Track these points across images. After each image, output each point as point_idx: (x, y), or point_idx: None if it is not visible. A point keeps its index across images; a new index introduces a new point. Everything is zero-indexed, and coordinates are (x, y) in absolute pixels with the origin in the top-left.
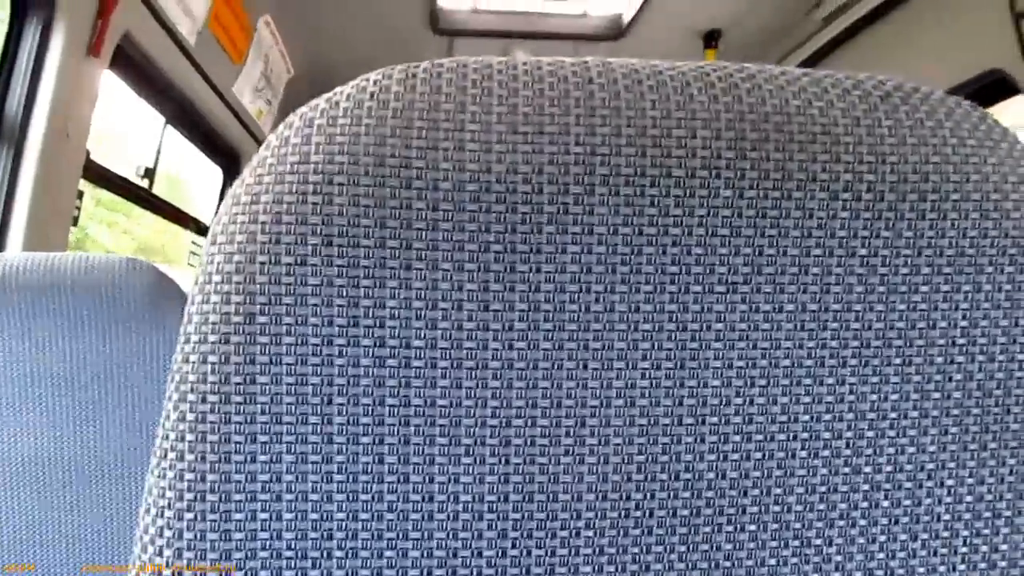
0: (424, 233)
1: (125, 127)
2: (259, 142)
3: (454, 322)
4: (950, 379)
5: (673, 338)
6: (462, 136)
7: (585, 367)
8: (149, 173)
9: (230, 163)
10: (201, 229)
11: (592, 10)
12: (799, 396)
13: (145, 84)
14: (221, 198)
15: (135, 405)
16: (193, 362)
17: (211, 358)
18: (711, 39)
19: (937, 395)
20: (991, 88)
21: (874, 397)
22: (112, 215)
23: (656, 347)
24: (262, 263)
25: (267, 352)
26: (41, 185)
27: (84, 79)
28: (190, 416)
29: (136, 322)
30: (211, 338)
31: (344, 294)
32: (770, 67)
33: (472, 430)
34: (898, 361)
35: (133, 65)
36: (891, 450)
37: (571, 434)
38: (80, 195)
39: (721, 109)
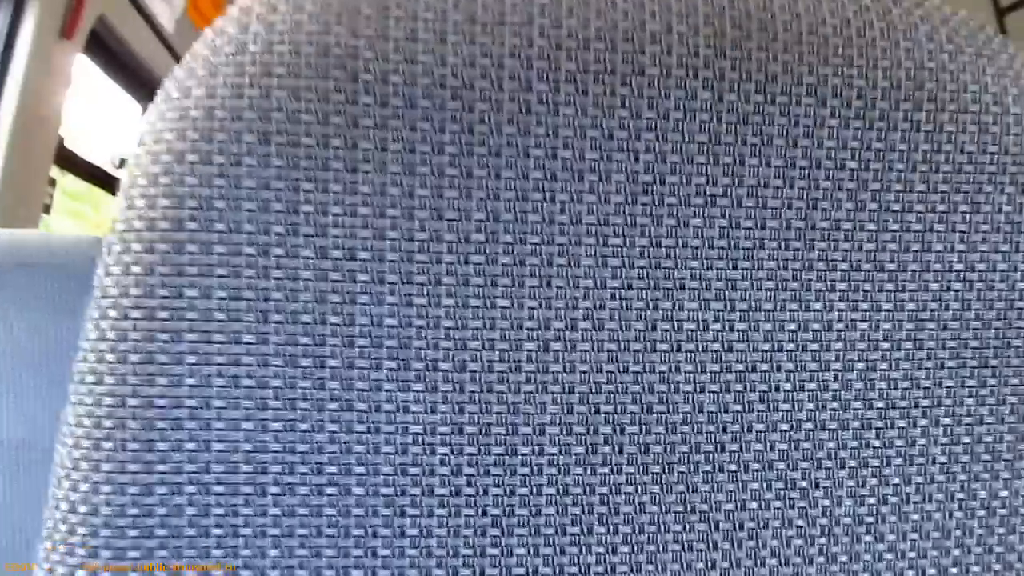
0: (371, 132)
1: (101, 114)
2: None
3: (404, 232)
4: (946, 308)
5: (646, 255)
6: (414, 25)
7: (549, 284)
8: (124, 163)
9: None
10: None
11: None
12: (783, 323)
13: (120, 70)
14: None
15: None
16: (115, 273)
17: (134, 268)
18: None
19: (932, 325)
20: None
21: (864, 325)
22: (78, 205)
23: (627, 264)
24: (192, 163)
25: (196, 262)
26: (10, 170)
27: (57, 63)
28: (110, 334)
29: None
30: (135, 247)
31: (282, 199)
32: None
33: (423, 353)
34: (890, 286)
35: (108, 50)
36: (882, 384)
37: (533, 360)
38: (52, 183)
39: (699, 3)
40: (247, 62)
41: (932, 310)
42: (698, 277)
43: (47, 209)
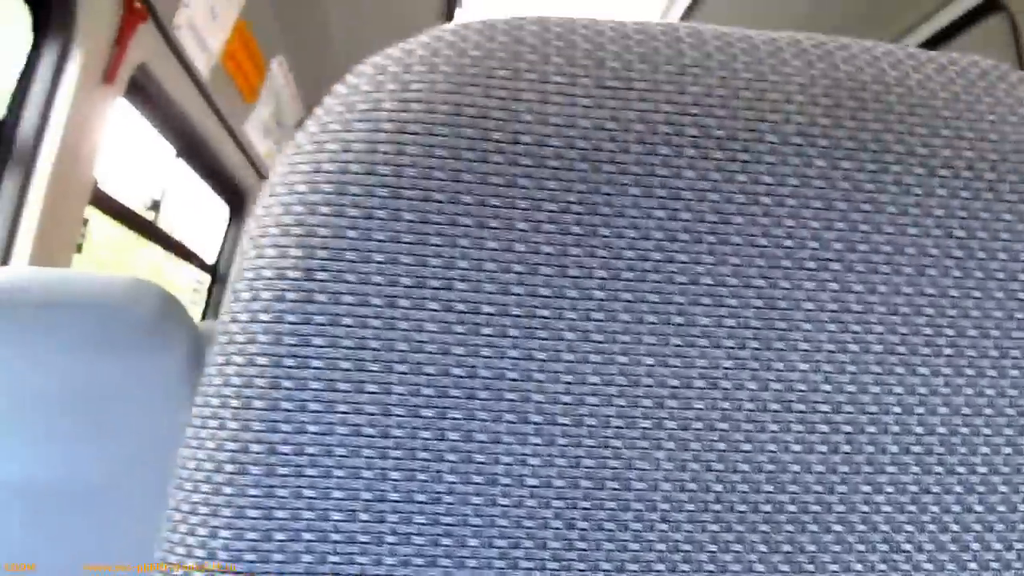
0: (500, 189)
1: (135, 157)
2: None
3: (528, 287)
4: None
5: (760, 316)
6: (545, 87)
7: (666, 343)
8: (156, 205)
9: (237, 201)
10: (204, 266)
11: None
12: (891, 386)
13: (158, 116)
14: (227, 234)
15: (137, 428)
16: (242, 321)
17: (262, 316)
18: None
19: None
20: None
21: (969, 391)
22: None
23: (741, 325)
24: (324, 215)
25: (326, 312)
26: (48, 210)
27: (97, 106)
28: (235, 380)
29: (140, 343)
30: (264, 295)
31: (411, 252)
32: (862, 40)
33: (542, 407)
34: (995, 353)
35: (147, 95)
36: (985, 450)
37: (648, 416)
38: (85, 223)
39: (817, 75)
40: (382, 119)
41: None
42: (809, 339)
43: (79, 248)
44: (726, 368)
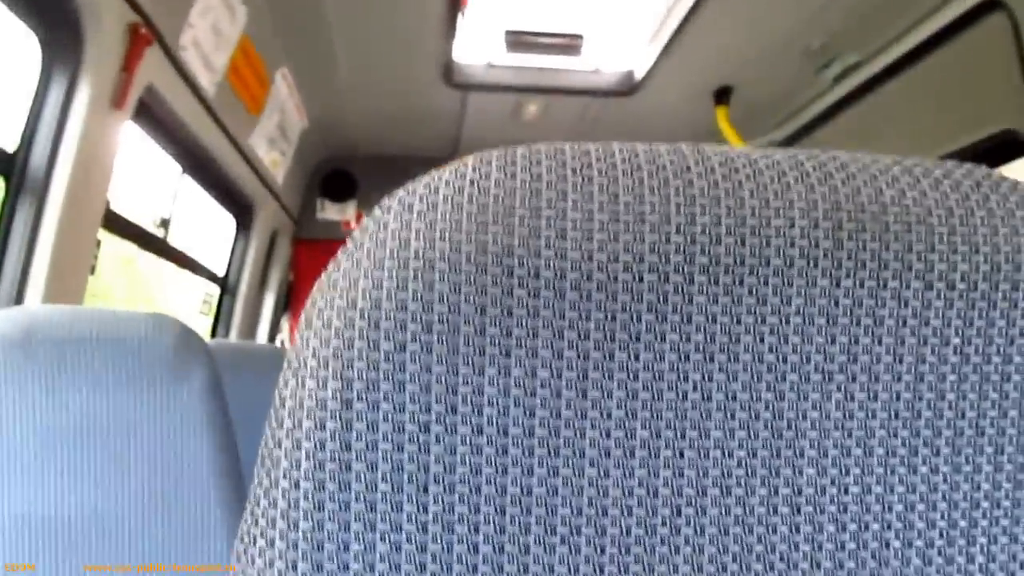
0: (524, 320)
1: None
2: (273, 192)
3: (552, 409)
4: None
5: (769, 426)
6: (563, 224)
7: (682, 455)
8: (165, 223)
9: (244, 213)
10: (214, 279)
11: (605, 66)
12: (893, 485)
13: (165, 135)
14: (234, 246)
15: (159, 458)
16: (285, 447)
17: (305, 444)
18: (722, 96)
19: None
20: (1003, 148)
21: (967, 487)
22: None
23: (752, 436)
24: (360, 349)
25: (363, 438)
26: (62, 235)
27: (107, 131)
28: (282, 503)
29: (161, 376)
30: (305, 424)
31: (443, 380)
32: (860, 155)
33: (568, 519)
34: (990, 450)
35: (154, 117)
36: (983, 540)
37: (667, 524)
38: (98, 244)
39: (818, 199)
40: (411, 257)
41: None
42: (816, 446)
43: (92, 270)
44: (739, 475)
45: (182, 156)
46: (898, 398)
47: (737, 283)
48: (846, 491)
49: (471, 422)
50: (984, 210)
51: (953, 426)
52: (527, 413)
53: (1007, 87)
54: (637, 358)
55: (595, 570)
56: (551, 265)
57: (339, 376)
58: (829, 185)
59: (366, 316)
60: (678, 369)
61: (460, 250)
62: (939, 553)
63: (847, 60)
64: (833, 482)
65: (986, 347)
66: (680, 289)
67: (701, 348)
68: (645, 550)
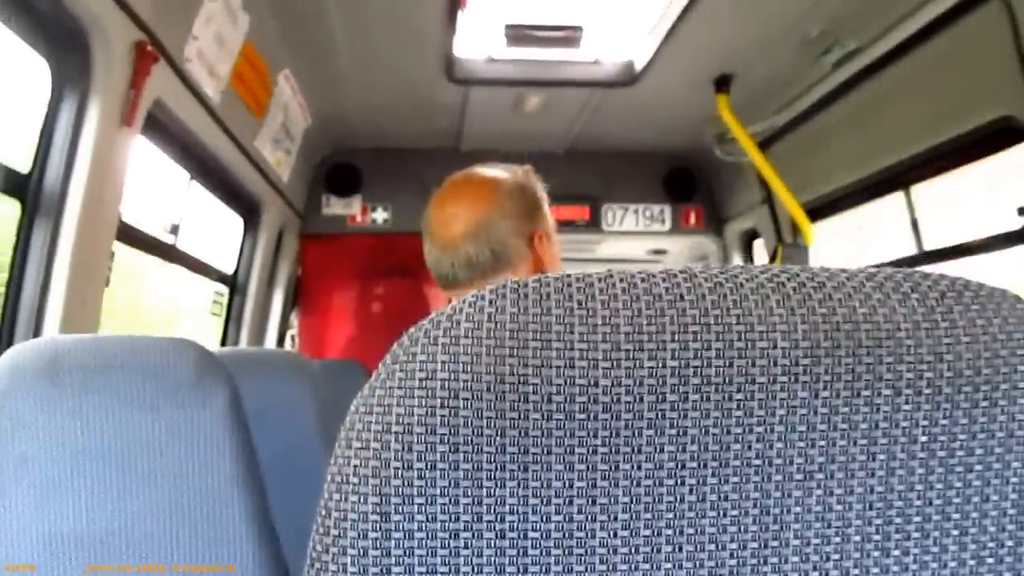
0: (539, 440)
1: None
2: (278, 191)
3: (565, 515)
4: (1002, 546)
5: (757, 521)
6: (572, 355)
7: (680, 549)
8: (175, 229)
9: (252, 213)
10: (223, 278)
11: (605, 57)
12: (868, 567)
13: (173, 145)
14: (243, 246)
15: (183, 477)
16: (333, 553)
17: (350, 551)
18: (722, 84)
19: (991, 560)
20: (1001, 135)
21: (935, 565)
22: None
23: (741, 530)
24: (396, 468)
25: (401, 546)
26: (79, 249)
27: (118, 148)
28: None
29: (183, 399)
30: (350, 534)
31: (469, 494)
32: (836, 272)
33: None
34: (956, 532)
35: (163, 129)
36: None
37: None
38: (111, 256)
39: (797, 320)
40: (437, 387)
41: (990, 548)
42: (799, 536)
43: (107, 282)
44: (731, 565)
45: (190, 163)
46: (871, 491)
47: (726, 399)
48: (827, 575)
49: (495, 528)
50: (947, 321)
51: (922, 513)
52: (543, 519)
53: (1005, 74)
54: (639, 468)
55: None
56: (562, 391)
57: (378, 492)
58: (808, 307)
59: (400, 440)
60: (675, 475)
61: (481, 380)
62: None
63: (846, 46)
64: (815, 567)
65: (950, 443)
66: (676, 407)
67: (695, 456)
68: None
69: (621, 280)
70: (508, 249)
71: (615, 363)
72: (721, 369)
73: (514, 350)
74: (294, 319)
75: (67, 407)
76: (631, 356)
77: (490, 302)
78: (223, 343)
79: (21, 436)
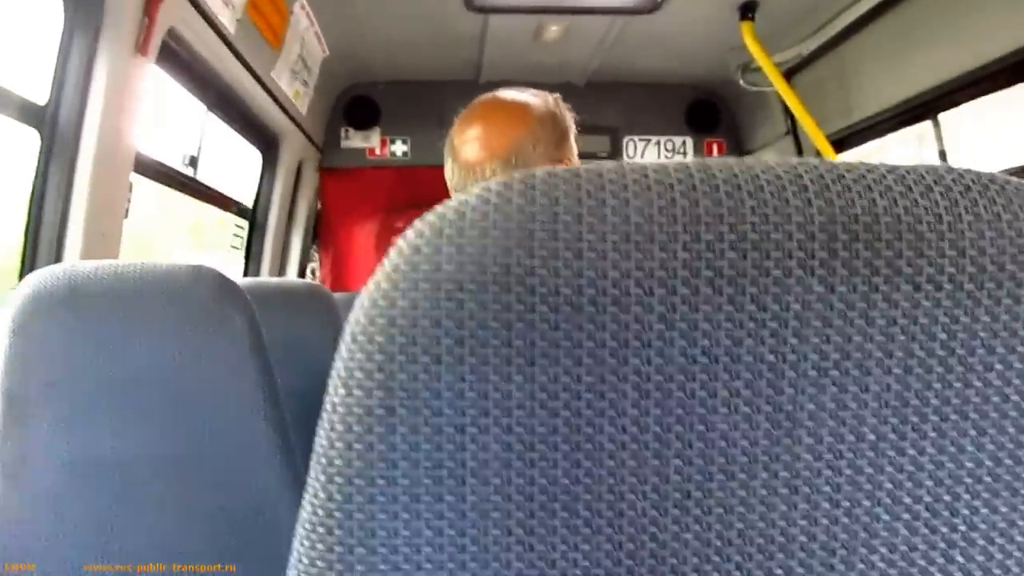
0: (546, 332)
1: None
2: (297, 124)
3: (573, 410)
4: (1021, 447)
5: (769, 418)
6: (580, 245)
7: (690, 446)
8: (193, 161)
9: (269, 146)
10: (243, 211)
11: None
12: (883, 466)
13: (189, 76)
14: (262, 180)
15: (208, 402)
16: (338, 448)
17: (356, 446)
18: (747, 11)
19: (1009, 461)
20: None
21: (951, 465)
22: None
23: (753, 427)
24: (401, 362)
25: (407, 441)
26: (97, 181)
27: (133, 78)
28: (337, 496)
29: (202, 325)
30: (355, 428)
31: (474, 388)
32: (856, 165)
33: (590, 504)
34: (974, 432)
35: (178, 59)
36: (966, 511)
37: (677, 506)
38: (130, 188)
39: (815, 212)
40: (443, 279)
41: (1009, 449)
42: (812, 433)
43: (126, 213)
44: (742, 462)
45: (206, 95)
46: (888, 389)
47: (739, 293)
48: (839, 472)
49: (501, 423)
50: (972, 215)
51: (939, 412)
52: (550, 414)
53: None
54: (648, 362)
55: (615, 547)
56: (570, 283)
57: (383, 386)
58: (825, 198)
59: (405, 333)
60: (685, 371)
61: (487, 272)
62: (925, 525)
63: None
64: (828, 465)
65: (970, 341)
66: (686, 300)
67: (707, 351)
68: (659, 528)
69: (632, 171)
70: None
71: (624, 254)
72: (734, 261)
73: (521, 242)
74: (315, 253)
75: (86, 335)
76: (641, 247)
77: (497, 194)
78: (245, 276)
79: (47, 363)
